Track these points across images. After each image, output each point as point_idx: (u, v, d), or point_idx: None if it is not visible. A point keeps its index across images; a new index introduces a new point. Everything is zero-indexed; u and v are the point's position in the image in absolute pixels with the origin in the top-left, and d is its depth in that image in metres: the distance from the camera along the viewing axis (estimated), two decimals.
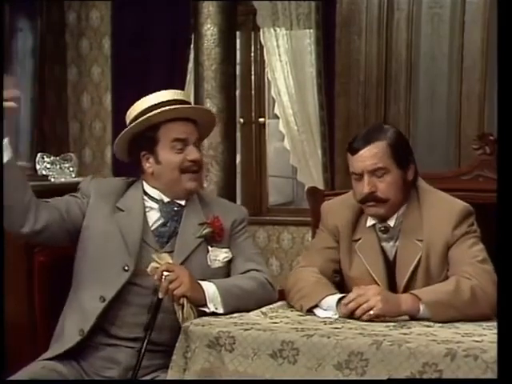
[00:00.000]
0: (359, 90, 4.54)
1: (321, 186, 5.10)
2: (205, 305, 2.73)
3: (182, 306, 2.69)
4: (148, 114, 2.87)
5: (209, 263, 2.89)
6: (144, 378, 2.83)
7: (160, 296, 2.72)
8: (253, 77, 6.00)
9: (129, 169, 3.07)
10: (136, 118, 2.91)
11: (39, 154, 4.91)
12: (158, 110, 2.87)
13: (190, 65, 5.31)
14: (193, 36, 4.51)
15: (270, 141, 6.25)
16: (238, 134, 5.31)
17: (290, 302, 2.84)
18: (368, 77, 4.53)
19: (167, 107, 2.88)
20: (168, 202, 2.93)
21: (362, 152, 2.81)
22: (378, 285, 2.76)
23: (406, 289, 2.74)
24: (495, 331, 2.37)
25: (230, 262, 2.94)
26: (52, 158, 4.87)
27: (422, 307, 2.60)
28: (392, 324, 2.55)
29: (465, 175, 3.59)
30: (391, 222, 2.86)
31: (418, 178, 2.90)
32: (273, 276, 5.88)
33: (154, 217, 2.92)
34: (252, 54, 5.97)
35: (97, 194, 2.93)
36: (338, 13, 4.60)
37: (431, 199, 2.86)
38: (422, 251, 2.80)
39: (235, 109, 4.50)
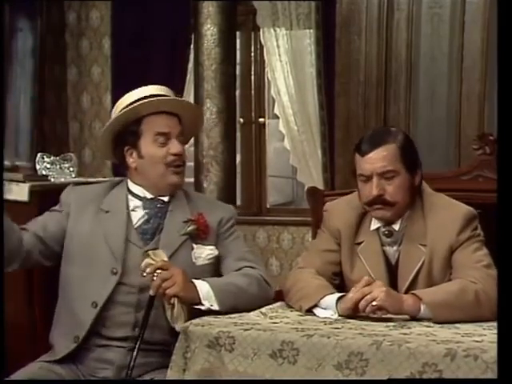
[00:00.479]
0: (359, 90, 4.54)
1: (321, 186, 5.10)
2: (199, 303, 2.72)
3: (173, 305, 2.69)
4: (129, 107, 2.88)
5: (193, 260, 2.88)
6: (142, 378, 2.83)
7: (151, 293, 2.71)
8: (253, 77, 6.00)
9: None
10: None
11: (39, 154, 4.90)
12: (139, 102, 2.88)
13: (190, 65, 5.31)
14: (193, 36, 4.52)
15: (269, 141, 6.25)
16: (238, 134, 5.31)
17: (289, 303, 2.83)
18: (368, 77, 4.53)
19: (148, 99, 2.88)
20: (151, 198, 2.93)
21: (371, 154, 2.78)
22: None
23: (407, 293, 2.73)
24: (495, 331, 2.37)
25: (217, 260, 2.92)
26: (52, 158, 4.86)
27: (422, 307, 2.60)
28: (392, 324, 2.55)
29: (465, 175, 3.59)
30: (396, 226, 2.85)
31: (422, 182, 2.90)
32: (273, 276, 5.92)
33: (138, 215, 2.92)
34: (252, 54, 5.97)
35: (78, 201, 2.94)
36: (338, 13, 4.60)
37: (435, 203, 2.85)
38: (425, 256, 2.79)
39: (235, 109, 4.50)
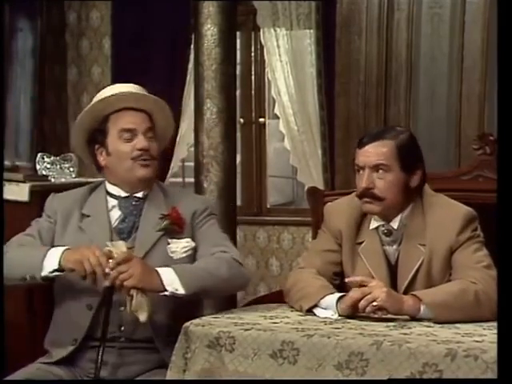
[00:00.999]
0: (359, 90, 4.54)
1: (321, 186, 5.10)
2: (163, 290, 2.72)
3: (132, 296, 2.69)
4: (89, 105, 2.94)
5: (170, 255, 2.88)
6: (141, 377, 2.85)
7: (107, 284, 2.72)
8: (253, 77, 5.99)
9: None
10: None
11: (39, 154, 4.90)
12: (96, 100, 2.93)
13: (190, 65, 5.30)
14: (193, 36, 4.51)
15: (270, 141, 6.25)
16: (238, 134, 5.30)
17: (289, 303, 2.84)
18: (368, 77, 4.52)
19: (109, 97, 2.92)
20: (126, 196, 2.95)
21: (368, 147, 2.81)
22: None
23: (406, 293, 2.73)
24: (495, 331, 2.37)
25: (195, 252, 2.92)
26: (52, 158, 4.86)
27: (422, 308, 2.60)
28: (392, 324, 2.55)
29: (465, 175, 3.59)
30: (394, 225, 2.85)
31: (425, 184, 2.89)
32: (273, 276, 5.91)
33: (115, 214, 2.94)
34: (252, 54, 5.96)
35: (62, 209, 2.96)
36: (338, 13, 4.60)
37: (435, 203, 2.85)
38: (425, 256, 2.79)
39: (235, 109, 4.49)
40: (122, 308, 2.80)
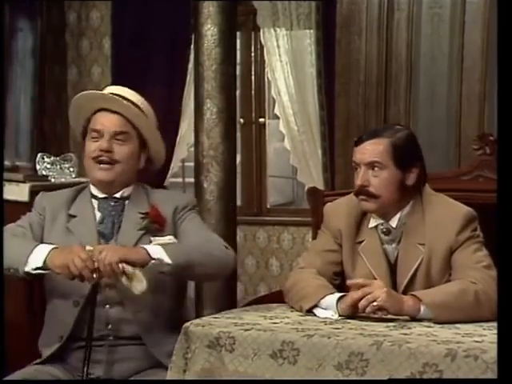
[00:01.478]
0: (359, 90, 4.54)
1: (321, 186, 5.10)
2: (149, 258, 2.72)
3: (123, 272, 2.68)
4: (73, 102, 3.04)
5: None
6: (139, 376, 2.86)
7: (94, 275, 2.70)
8: (253, 77, 5.99)
9: None
10: None
11: (39, 154, 4.90)
12: (76, 96, 3.02)
13: (190, 65, 5.30)
14: (193, 36, 4.51)
15: (270, 141, 6.25)
16: (239, 135, 5.30)
17: (289, 303, 2.84)
18: (368, 77, 4.52)
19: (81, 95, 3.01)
20: (104, 197, 2.97)
21: (364, 144, 2.82)
22: None
23: (405, 292, 2.73)
24: (495, 332, 2.37)
25: None
26: (52, 158, 4.86)
27: (422, 308, 2.60)
28: (392, 324, 2.55)
29: (465, 175, 3.59)
30: (393, 223, 2.86)
31: (425, 183, 2.89)
32: (273, 276, 5.91)
33: (98, 215, 2.97)
34: (252, 54, 5.96)
35: (50, 208, 2.98)
36: (338, 13, 4.60)
37: (434, 203, 2.85)
38: (424, 255, 2.79)
39: (235, 109, 4.49)
40: (108, 306, 2.83)
